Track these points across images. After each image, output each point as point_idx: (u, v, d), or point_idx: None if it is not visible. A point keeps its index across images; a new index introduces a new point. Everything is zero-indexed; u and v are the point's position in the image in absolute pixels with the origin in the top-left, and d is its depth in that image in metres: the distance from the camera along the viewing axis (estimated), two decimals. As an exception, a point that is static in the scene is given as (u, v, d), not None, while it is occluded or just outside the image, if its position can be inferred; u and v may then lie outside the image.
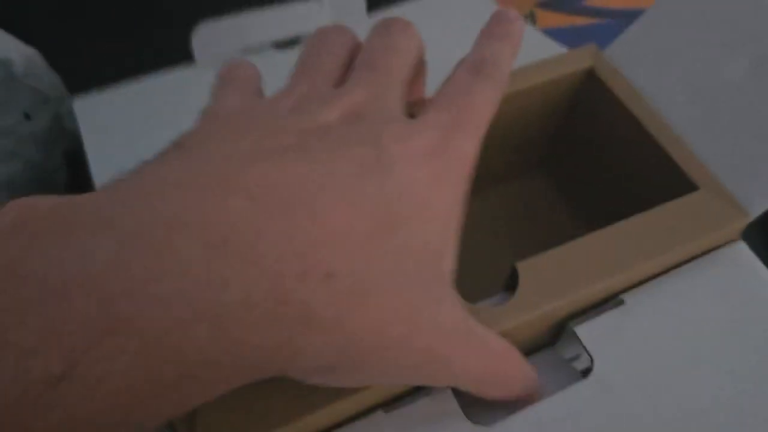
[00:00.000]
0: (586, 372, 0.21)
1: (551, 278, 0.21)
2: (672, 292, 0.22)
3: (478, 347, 0.18)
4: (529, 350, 0.23)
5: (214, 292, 0.13)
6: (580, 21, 0.41)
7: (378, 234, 0.15)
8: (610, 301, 0.22)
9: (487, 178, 0.31)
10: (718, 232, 0.22)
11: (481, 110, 0.19)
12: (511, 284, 0.21)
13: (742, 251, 0.24)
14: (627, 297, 0.22)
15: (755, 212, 0.23)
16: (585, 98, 0.28)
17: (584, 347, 0.21)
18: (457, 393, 0.20)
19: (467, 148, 0.18)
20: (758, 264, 0.23)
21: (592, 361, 0.21)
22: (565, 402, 0.20)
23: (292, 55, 0.21)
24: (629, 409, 0.20)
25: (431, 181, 0.17)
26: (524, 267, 0.21)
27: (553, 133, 0.31)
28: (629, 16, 0.44)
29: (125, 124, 0.29)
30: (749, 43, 0.24)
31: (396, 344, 0.16)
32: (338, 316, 0.14)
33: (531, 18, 0.41)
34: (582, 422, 0.20)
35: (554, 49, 0.32)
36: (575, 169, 0.31)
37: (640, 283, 0.22)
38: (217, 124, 0.18)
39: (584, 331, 0.21)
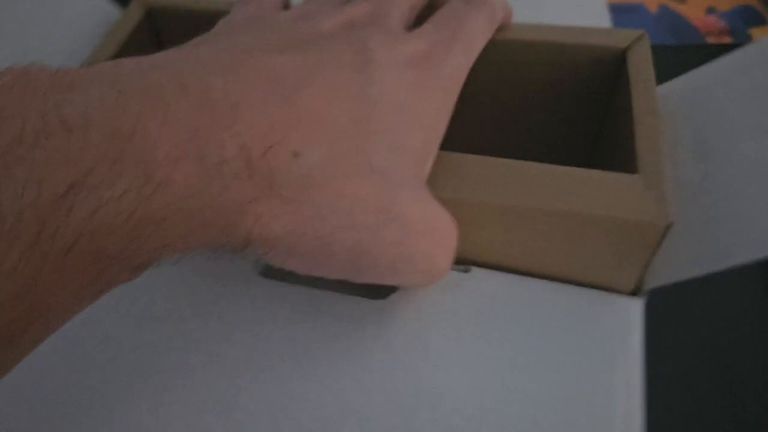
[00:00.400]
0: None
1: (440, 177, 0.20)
2: (522, 292, 0.21)
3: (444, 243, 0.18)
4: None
5: (195, 142, 0.14)
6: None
7: (352, 126, 0.16)
8: (458, 264, 0.21)
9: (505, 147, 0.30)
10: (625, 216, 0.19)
11: (472, 33, 0.20)
12: None
13: (631, 310, 0.21)
14: (477, 270, 0.21)
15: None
16: (618, 84, 0.26)
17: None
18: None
19: (455, 63, 0.19)
20: (637, 329, 0.20)
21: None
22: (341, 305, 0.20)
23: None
24: (396, 361, 0.20)
25: (414, 88, 0.18)
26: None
27: (583, 119, 0.28)
28: (626, 11, 0.46)
29: None
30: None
31: (364, 230, 0.16)
32: (301, 192, 0.15)
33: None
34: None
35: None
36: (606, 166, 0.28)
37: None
38: (227, 25, 0.21)
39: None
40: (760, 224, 0.19)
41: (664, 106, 0.25)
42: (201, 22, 0.27)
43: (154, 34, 0.28)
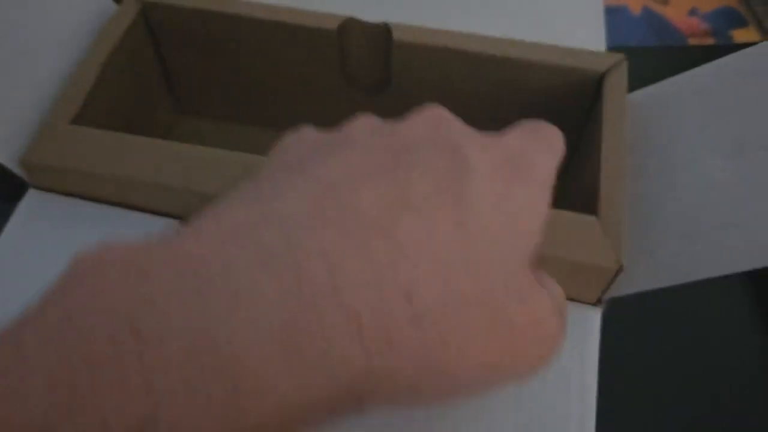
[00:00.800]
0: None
1: None
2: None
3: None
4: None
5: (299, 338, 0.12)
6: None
7: (458, 242, 0.14)
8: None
9: None
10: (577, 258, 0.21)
11: (552, 145, 0.18)
12: None
13: (590, 321, 0.22)
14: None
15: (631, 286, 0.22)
16: (595, 105, 0.27)
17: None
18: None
19: (546, 163, 0.17)
20: (593, 344, 0.22)
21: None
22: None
23: None
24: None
25: (509, 192, 0.16)
26: None
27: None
28: (610, 13, 0.45)
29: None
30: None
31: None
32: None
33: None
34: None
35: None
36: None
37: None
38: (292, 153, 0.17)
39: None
40: (711, 245, 0.21)
41: (640, 112, 0.26)
42: (197, 19, 0.27)
43: (149, 32, 0.29)
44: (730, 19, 0.48)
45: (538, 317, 0.16)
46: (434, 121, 0.17)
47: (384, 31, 0.27)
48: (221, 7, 0.27)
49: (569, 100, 0.27)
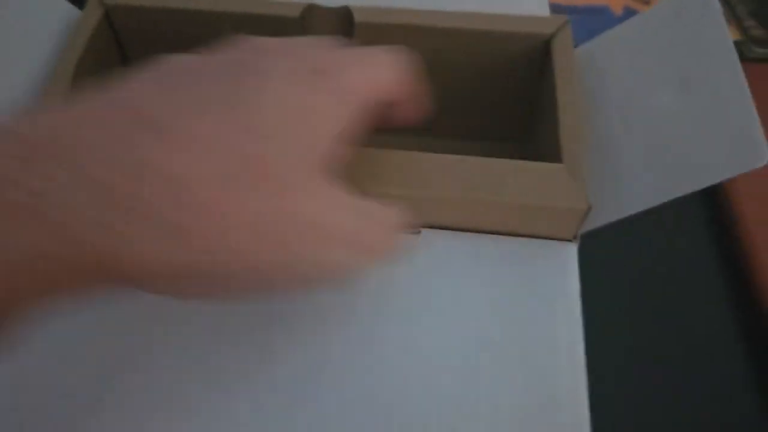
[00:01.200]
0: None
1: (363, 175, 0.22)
2: (469, 248, 0.23)
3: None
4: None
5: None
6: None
7: (243, 135, 0.16)
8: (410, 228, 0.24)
9: (446, 132, 0.33)
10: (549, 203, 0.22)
11: (375, 64, 0.20)
12: None
13: (567, 255, 0.23)
14: (427, 231, 0.23)
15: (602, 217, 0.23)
16: (545, 66, 0.29)
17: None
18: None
19: (354, 77, 0.19)
20: (573, 276, 0.23)
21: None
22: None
23: None
24: (363, 324, 0.22)
25: (310, 93, 0.17)
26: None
27: (516, 99, 0.31)
28: (591, 13, 0.47)
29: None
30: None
31: (268, 244, 0.16)
32: (184, 216, 0.15)
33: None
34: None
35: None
36: (538, 141, 0.31)
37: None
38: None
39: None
40: (667, 171, 0.22)
41: (588, 64, 0.27)
42: (160, 21, 0.28)
43: (113, 35, 0.29)
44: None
45: (324, 220, 0.17)
46: (244, 44, 0.19)
47: (345, 13, 0.28)
48: (182, 4, 0.28)
49: (522, 62, 0.29)
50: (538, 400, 0.20)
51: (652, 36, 0.26)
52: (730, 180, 0.30)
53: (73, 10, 0.29)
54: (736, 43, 0.42)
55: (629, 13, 0.48)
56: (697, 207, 0.36)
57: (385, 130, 0.22)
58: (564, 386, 0.20)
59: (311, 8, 0.28)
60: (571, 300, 0.22)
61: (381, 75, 0.19)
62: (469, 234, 0.24)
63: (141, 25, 0.29)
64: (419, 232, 0.23)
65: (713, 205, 0.36)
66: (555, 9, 0.29)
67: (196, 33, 0.28)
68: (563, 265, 0.23)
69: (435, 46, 0.28)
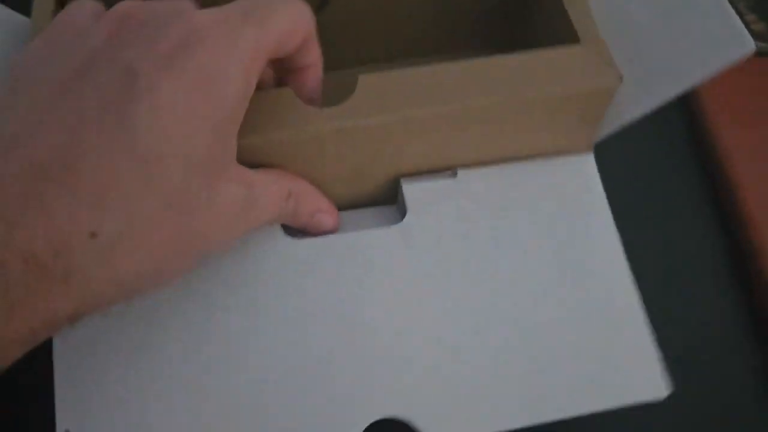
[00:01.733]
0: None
1: (390, 94, 0.21)
2: (502, 180, 0.25)
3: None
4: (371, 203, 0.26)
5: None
6: None
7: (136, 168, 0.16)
8: (445, 171, 0.25)
9: (420, 51, 0.32)
10: (585, 84, 0.22)
11: (280, 18, 0.18)
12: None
13: (588, 165, 0.25)
14: (461, 172, 0.25)
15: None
16: None
17: (403, 198, 0.24)
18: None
19: (249, 37, 0.18)
20: (597, 185, 0.25)
21: (405, 213, 0.24)
22: (361, 237, 0.23)
23: None
24: (419, 263, 0.23)
25: (188, 81, 0.17)
26: (365, 79, 0.21)
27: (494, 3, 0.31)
28: None
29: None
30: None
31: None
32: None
33: None
34: (371, 256, 0.23)
35: None
36: (507, 44, 0.31)
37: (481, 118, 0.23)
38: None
39: (410, 188, 0.24)
40: (658, 73, 0.24)
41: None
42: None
43: None
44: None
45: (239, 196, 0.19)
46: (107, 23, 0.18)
47: None
48: None
49: None
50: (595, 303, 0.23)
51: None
52: (737, 182, 0.33)
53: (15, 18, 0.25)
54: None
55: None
56: (702, 206, 0.35)
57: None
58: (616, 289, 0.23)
59: None
60: (600, 209, 0.25)
61: (273, 25, 0.18)
62: (498, 168, 0.25)
63: None
64: (455, 173, 0.24)
65: (718, 204, 0.35)
66: None
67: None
68: (585, 176, 0.25)
69: None
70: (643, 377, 0.22)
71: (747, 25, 0.45)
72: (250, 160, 0.20)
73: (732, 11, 0.23)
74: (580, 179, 0.25)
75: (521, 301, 0.23)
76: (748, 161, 0.33)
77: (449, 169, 0.25)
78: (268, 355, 0.21)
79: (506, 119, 0.23)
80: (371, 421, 0.21)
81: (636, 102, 0.24)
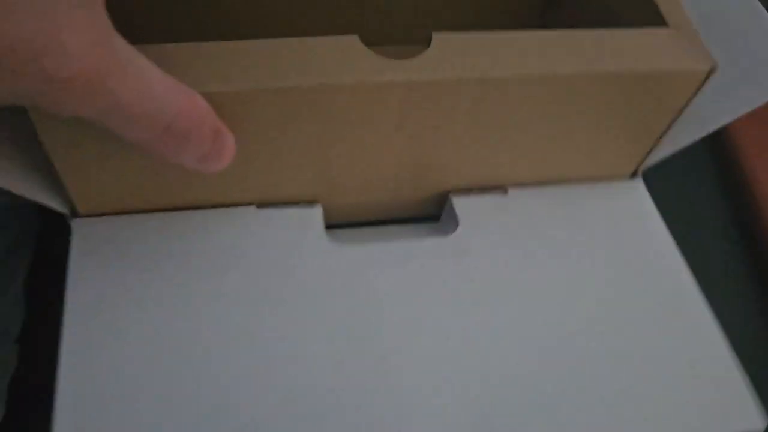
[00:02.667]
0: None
1: (464, 52, 0.19)
2: (554, 199, 0.24)
3: (136, 80, 0.15)
4: (413, 218, 0.25)
5: None
6: None
7: None
8: (496, 189, 0.24)
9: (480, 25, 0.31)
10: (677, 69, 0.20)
11: None
12: None
13: (639, 189, 0.25)
14: (512, 190, 0.24)
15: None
16: None
17: (454, 212, 0.23)
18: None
19: None
20: (651, 206, 0.24)
21: (457, 225, 0.22)
22: (414, 245, 0.22)
23: None
24: (473, 274, 0.21)
25: None
26: (440, 37, 0.19)
27: None
28: None
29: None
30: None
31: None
32: None
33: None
34: (424, 265, 0.21)
35: None
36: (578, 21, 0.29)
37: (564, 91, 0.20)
38: None
39: (461, 202, 0.23)
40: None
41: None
42: None
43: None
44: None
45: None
46: None
47: None
48: None
49: None
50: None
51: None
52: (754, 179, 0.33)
53: None
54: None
55: None
56: (718, 206, 0.35)
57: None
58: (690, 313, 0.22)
59: None
60: (658, 229, 0.24)
61: None
62: (547, 188, 0.24)
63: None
64: (506, 191, 0.24)
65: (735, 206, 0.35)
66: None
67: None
68: (639, 205, 0.24)
69: None
70: (735, 405, 0.20)
71: None
72: (304, 105, 0.18)
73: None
74: (633, 199, 0.24)
75: (587, 322, 0.21)
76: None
77: (498, 188, 0.24)
78: (314, 358, 0.19)
79: (574, 109, 0.21)
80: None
81: (685, 130, 0.24)
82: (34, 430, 0.22)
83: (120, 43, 0.15)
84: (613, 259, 0.23)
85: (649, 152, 0.24)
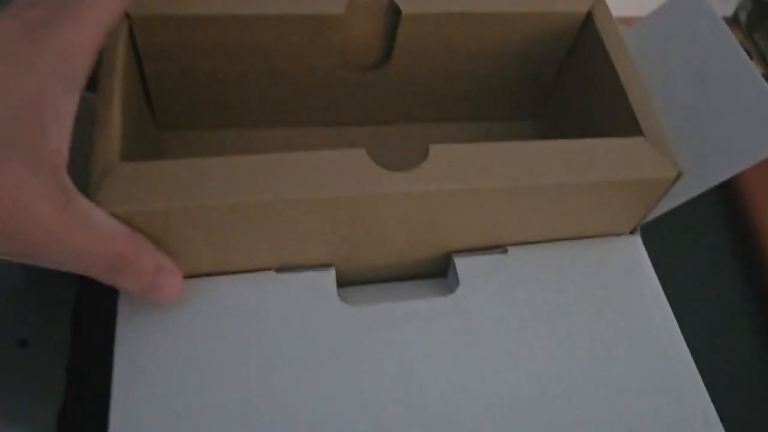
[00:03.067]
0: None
1: (459, 164, 0.22)
2: (553, 257, 0.26)
3: (89, 231, 0.19)
4: (421, 276, 0.27)
5: None
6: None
7: None
8: (497, 248, 0.26)
9: (471, 115, 0.34)
10: (644, 175, 0.23)
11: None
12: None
13: (636, 245, 0.26)
14: (512, 249, 0.26)
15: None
16: (579, 42, 0.29)
17: (456, 272, 0.25)
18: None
19: (66, 35, 0.17)
20: (646, 262, 0.26)
21: (458, 284, 0.25)
22: (417, 305, 0.24)
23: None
24: (475, 330, 0.24)
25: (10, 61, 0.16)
26: (437, 149, 0.22)
27: (546, 77, 0.32)
28: None
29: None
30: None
31: None
32: None
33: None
34: (425, 322, 0.24)
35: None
36: (561, 117, 0.32)
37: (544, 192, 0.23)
38: None
39: (462, 262, 0.25)
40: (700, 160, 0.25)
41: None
42: (188, 30, 0.26)
43: (133, 49, 0.26)
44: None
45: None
46: None
47: (391, 5, 0.27)
48: (217, 10, 0.26)
49: (551, 41, 0.30)
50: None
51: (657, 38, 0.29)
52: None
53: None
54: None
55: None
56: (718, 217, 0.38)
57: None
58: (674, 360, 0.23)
59: (355, 3, 0.27)
60: (651, 285, 0.25)
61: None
62: (545, 246, 0.26)
63: (166, 36, 0.26)
64: (506, 250, 0.26)
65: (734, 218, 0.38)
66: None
67: (231, 40, 0.27)
68: (635, 258, 0.26)
69: (477, 33, 0.29)
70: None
71: (763, 55, 0.47)
72: (314, 214, 0.22)
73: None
74: (629, 256, 0.26)
75: (578, 372, 0.23)
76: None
77: (498, 247, 0.26)
78: (323, 411, 0.22)
79: (564, 199, 0.24)
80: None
81: (681, 190, 0.25)
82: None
83: (79, 200, 0.18)
84: (606, 317, 0.24)
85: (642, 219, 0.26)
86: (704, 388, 0.23)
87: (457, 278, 0.25)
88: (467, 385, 0.22)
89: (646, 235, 0.27)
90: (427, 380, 0.22)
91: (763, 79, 0.25)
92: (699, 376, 0.23)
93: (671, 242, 0.36)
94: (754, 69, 0.25)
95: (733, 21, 0.51)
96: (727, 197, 0.39)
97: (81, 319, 0.29)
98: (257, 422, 0.21)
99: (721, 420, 0.23)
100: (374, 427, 0.21)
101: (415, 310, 0.24)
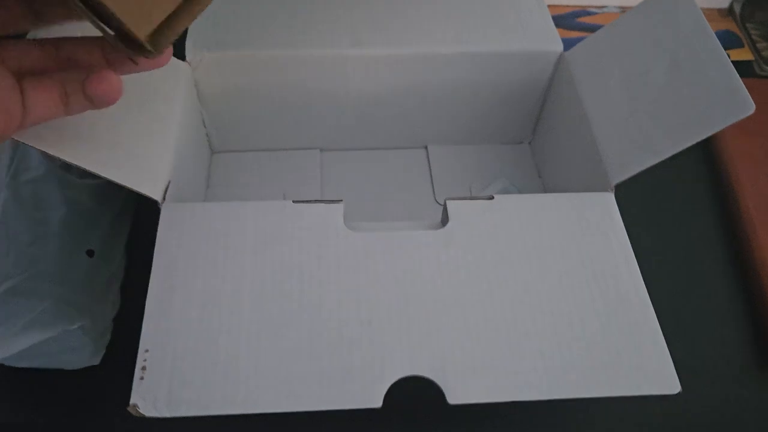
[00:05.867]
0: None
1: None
2: (534, 206, 0.29)
3: None
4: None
5: None
6: (574, 35, 0.51)
7: None
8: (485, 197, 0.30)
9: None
10: None
11: None
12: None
13: (608, 199, 0.30)
14: (498, 196, 0.29)
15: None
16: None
17: (447, 213, 0.29)
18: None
19: None
20: (616, 215, 0.30)
21: (448, 221, 0.28)
22: (411, 235, 0.28)
23: None
24: (458, 261, 0.27)
25: None
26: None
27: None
28: None
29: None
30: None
31: None
32: None
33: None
34: (418, 250, 0.28)
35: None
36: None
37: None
38: None
39: (453, 204, 0.29)
40: (675, 126, 0.29)
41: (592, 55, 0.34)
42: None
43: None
44: (730, 40, 0.54)
45: None
46: None
47: None
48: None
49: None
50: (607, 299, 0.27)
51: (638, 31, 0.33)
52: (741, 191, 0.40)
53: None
54: (750, 63, 0.51)
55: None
56: (708, 218, 0.42)
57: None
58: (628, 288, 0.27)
59: None
60: (619, 233, 0.29)
61: None
62: (530, 195, 0.30)
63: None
64: (492, 197, 0.29)
65: (723, 215, 0.42)
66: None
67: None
68: (608, 208, 0.30)
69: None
70: (657, 372, 0.25)
71: (758, 52, 0.51)
72: None
73: (736, 74, 0.28)
74: (602, 208, 0.30)
75: (549, 293, 0.27)
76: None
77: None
78: (328, 313, 0.26)
79: None
80: (401, 376, 0.24)
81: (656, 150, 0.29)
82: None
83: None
84: (575, 257, 0.28)
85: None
86: (656, 321, 0.27)
87: (448, 217, 0.29)
88: (449, 292, 0.27)
89: (627, 195, 0.31)
90: (415, 289, 0.27)
91: (731, 63, 0.28)
92: (650, 305, 0.27)
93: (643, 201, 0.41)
94: (725, 54, 0.28)
95: (728, 12, 0.54)
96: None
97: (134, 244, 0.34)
98: (273, 313, 0.26)
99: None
100: (367, 314, 0.26)
101: (410, 236, 0.28)
